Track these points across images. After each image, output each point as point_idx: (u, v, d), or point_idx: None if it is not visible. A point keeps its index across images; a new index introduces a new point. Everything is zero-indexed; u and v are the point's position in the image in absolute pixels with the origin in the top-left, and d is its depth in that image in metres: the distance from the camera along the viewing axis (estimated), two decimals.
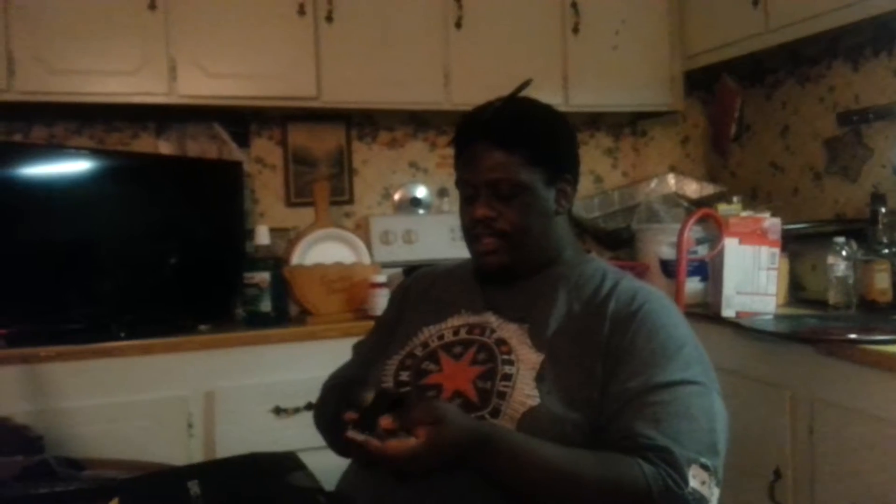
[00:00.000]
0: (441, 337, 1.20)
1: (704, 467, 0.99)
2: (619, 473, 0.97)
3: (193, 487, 1.13)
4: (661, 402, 1.02)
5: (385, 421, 0.97)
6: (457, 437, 0.96)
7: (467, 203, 1.19)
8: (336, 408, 1.27)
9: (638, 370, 1.05)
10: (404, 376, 1.16)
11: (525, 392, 1.05)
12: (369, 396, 1.02)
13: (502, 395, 1.06)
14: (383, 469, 0.99)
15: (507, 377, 1.08)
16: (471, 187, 1.17)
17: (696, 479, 0.97)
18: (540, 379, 1.07)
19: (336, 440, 1.28)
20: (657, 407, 1.01)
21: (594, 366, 1.07)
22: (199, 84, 2.30)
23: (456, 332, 1.19)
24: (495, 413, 1.05)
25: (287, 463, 1.25)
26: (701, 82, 3.02)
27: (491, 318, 1.18)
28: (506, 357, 1.11)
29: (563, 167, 1.20)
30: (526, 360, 1.10)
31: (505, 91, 1.22)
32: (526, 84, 1.23)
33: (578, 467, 0.98)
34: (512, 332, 1.14)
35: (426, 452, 0.94)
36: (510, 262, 1.18)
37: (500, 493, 1.00)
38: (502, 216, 1.15)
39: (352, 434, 0.97)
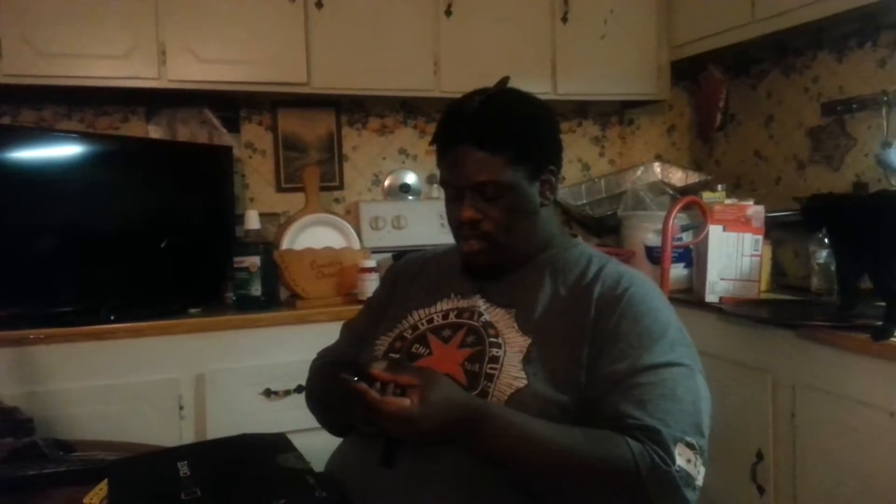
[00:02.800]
0: (431, 320, 1.21)
1: (690, 446, 1.00)
2: (607, 451, 0.98)
3: (183, 468, 1.14)
4: (648, 383, 1.03)
5: (377, 369, 0.99)
6: (447, 402, 0.98)
7: (452, 202, 1.19)
8: (327, 386, 1.29)
9: (624, 353, 1.06)
10: (395, 357, 1.18)
11: (512, 374, 1.07)
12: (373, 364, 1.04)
13: (490, 378, 1.08)
14: (379, 433, 1.02)
15: (495, 359, 1.10)
16: (455, 189, 1.17)
17: (682, 458, 0.98)
18: (527, 361, 1.08)
19: (326, 417, 1.30)
20: (643, 388, 1.03)
21: (580, 348, 1.08)
22: (188, 69, 2.29)
23: (445, 316, 1.21)
24: (483, 395, 1.06)
25: (277, 444, 1.25)
26: (687, 72, 3.05)
27: (479, 302, 1.19)
28: (493, 340, 1.12)
29: (546, 160, 1.19)
30: (513, 343, 1.11)
31: (493, 79, 1.22)
32: (504, 81, 1.22)
33: (568, 443, 1.00)
34: (499, 317, 1.16)
35: (418, 413, 0.96)
36: (496, 261, 1.20)
37: (485, 478, 1.01)
38: (488, 217, 1.15)
39: (351, 381, 0.98)
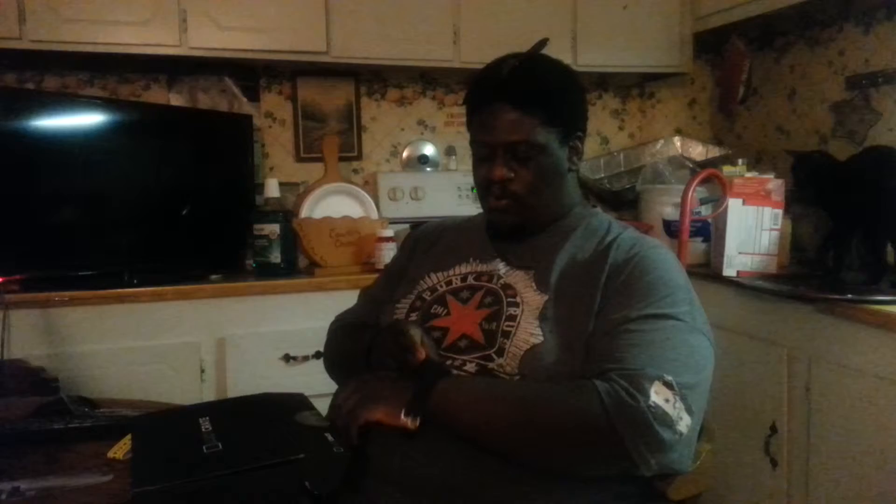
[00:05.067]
0: (449, 283, 1.23)
1: (669, 385, 0.97)
2: (571, 394, 0.98)
3: (205, 424, 1.17)
4: (641, 330, 1.03)
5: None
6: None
7: (482, 162, 1.20)
8: (343, 348, 1.31)
9: (623, 304, 1.07)
10: (413, 318, 1.20)
11: (529, 331, 1.08)
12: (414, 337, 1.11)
13: (507, 335, 1.09)
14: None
15: (512, 318, 1.11)
16: (487, 148, 1.18)
17: (658, 396, 0.95)
18: (543, 318, 1.09)
19: (343, 377, 1.32)
20: (635, 334, 1.02)
21: (592, 305, 1.09)
22: (209, 36, 2.30)
23: (464, 279, 1.22)
24: (500, 352, 1.08)
25: (297, 403, 1.28)
26: (710, 45, 3.01)
27: (499, 266, 1.20)
28: (511, 300, 1.14)
29: (576, 125, 1.21)
30: (530, 301, 1.12)
31: (514, 49, 1.22)
32: (543, 43, 1.23)
33: (532, 395, 1.01)
34: (518, 278, 1.17)
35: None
36: (523, 221, 1.21)
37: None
38: (518, 177, 1.16)
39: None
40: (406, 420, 1.02)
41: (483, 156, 1.19)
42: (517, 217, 1.20)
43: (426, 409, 1.03)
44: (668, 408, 0.96)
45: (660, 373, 0.98)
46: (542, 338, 1.07)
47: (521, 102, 1.14)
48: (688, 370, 1.01)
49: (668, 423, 0.95)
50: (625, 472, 0.98)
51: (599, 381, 0.98)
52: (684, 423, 0.97)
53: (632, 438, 0.94)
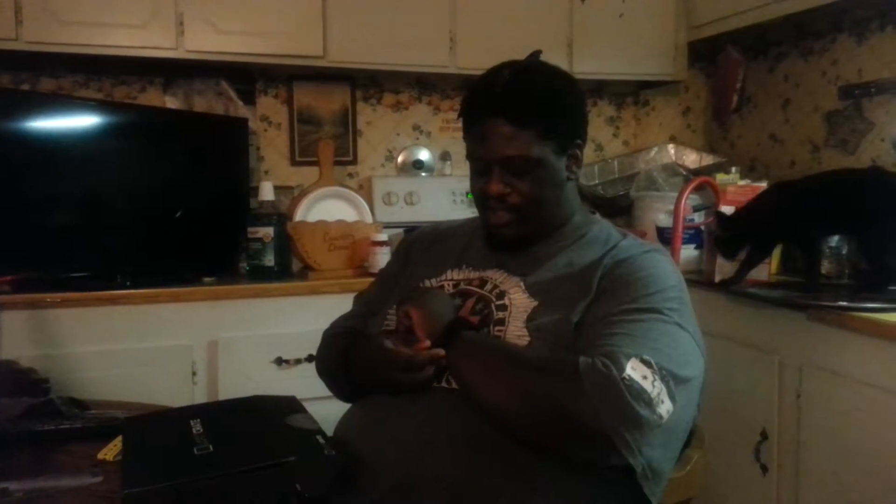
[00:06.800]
0: (441, 288, 1.22)
1: (647, 364, 0.95)
2: (554, 360, 1.01)
3: (196, 426, 1.17)
4: (622, 321, 1.03)
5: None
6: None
7: (478, 176, 1.19)
8: (337, 356, 1.31)
9: (612, 300, 1.07)
10: None
11: (516, 334, 1.09)
12: None
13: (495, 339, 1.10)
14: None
15: (501, 322, 1.11)
16: (482, 163, 1.17)
17: (635, 371, 0.94)
18: (530, 320, 1.10)
19: (337, 385, 1.32)
20: (617, 324, 1.02)
21: (582, 305, 1.09)
22: (206, 39, 2.30)
23: (456, 285, 1.22)
24: None
25: (287, 405, 1.27)
26: (705, 53, 3.03)
27: (493, 274, 1.20)
28: (500, 303, 1.14)
29: (574, 134, 1.20)
30: (519, 305, 1.13)
31: (509, 56, 1.21)
32: (536, 55, 1.23)
33: (520, 354, 1.05)
34: (511, 284, 1.17)
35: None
36: (523, 232, 1.20)
37: (486, 443, 1.02)
38: (516, 190, 1.16)
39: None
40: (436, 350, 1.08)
41: (479, 170, 1.19)
42: (517, 229, 1.19)
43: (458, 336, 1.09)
44: (645, 384, 0.94)
45: (638, 352, 0.97)
46: (528, 339, 1.08)
47: (516, 116, 1.12)
48: (669, 359, 0.99)
49: (646, 399, 0.93)
50: (607, 458, 0.96)
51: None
52: (665, 407, 0.95)
53: (605, 410, 0.92)
